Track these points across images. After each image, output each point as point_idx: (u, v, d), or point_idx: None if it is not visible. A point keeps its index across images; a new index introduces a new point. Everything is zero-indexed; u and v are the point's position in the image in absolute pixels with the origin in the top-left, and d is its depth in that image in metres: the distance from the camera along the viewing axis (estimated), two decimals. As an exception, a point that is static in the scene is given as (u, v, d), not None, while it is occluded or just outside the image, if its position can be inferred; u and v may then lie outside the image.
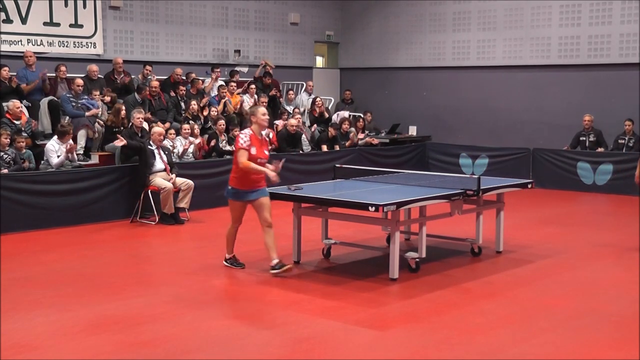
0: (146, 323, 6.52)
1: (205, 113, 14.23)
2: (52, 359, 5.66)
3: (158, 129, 11.61)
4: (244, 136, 8.03)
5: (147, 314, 6.76)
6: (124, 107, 12.70)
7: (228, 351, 5.84)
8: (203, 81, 15.35)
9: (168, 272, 8.48)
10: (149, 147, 11.35)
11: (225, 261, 8.54)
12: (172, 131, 12.85)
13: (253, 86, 15.98)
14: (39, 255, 9.24)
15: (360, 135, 16.06)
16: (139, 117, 12.16)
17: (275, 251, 8.09)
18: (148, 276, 8.30)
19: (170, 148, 12.20)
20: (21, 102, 12.25)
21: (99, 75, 13.98)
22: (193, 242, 10.38)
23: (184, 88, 14.74)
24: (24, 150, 11.22)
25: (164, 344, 5.99)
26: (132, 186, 11.55)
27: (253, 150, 7.96)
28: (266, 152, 8.19)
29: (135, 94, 13.61)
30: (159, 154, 11.43)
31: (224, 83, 15.56)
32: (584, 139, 15.38)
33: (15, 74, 12.85)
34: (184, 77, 15.43)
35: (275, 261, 8.07)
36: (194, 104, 13.93)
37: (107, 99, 13.40)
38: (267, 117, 8.22)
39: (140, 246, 10.04)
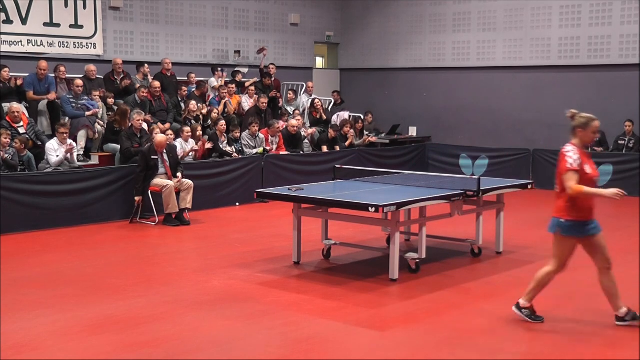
0: (146, 323, 6.52)
1: (204, 111, 14.22)
2: (52, 359, 5.66)
3: (160, 138, 11.52)
4: (572, 154, 6.33)
5: (148, 314, 6.77)
6: (129, 109, 12.69)
7: (228, 351, 5.85)
8: (207, 82, 15.34)
9: (168, 272, 8.48)
10: (153, 157, 11.31)
11: (522, 310, 6.63)
12: (171, 132, 12.80)
13: (252, 87, 15.99)
14: (39, 256, 9.24)
15: (351, 135, 15.92)
16: (138, 118, 12.16)
17: (620, 298, 6.48)
18: (148, 276, 8.30)
19: (177, 147, 12.14)
20: (20, 103, 12.26)
21: (98, 76, 13.98)
22: (193, 243, 10.38)
23: (186, 89, 14.73)
24: (25, 153, 11.20)
25: (164, 344, 5.99)
26: (134, 188, 11.54)
27: (587, 169, 6.31)
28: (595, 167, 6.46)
29: (135, 95, 13.61)
30: (163, 160, 11.41)
31: (223, 84, 15.58)
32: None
33: (17, 74, 12.86)
34: (186, 77, 15.48)
35: (623, 310, 6.47)
36: (193, 104, 13.91)
37: (111, 101, 13.39)
38: (596, 135, 6.58)
39: (140, 246, 10.04)
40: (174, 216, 11.24)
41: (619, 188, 6.18)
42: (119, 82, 14.11)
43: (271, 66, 16.93)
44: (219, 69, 16.24)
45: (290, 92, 17.13)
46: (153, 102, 13.77)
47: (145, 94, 13.55)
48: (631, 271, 8.47)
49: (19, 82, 12.77)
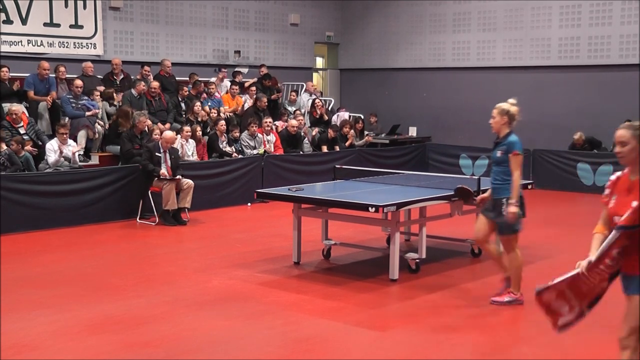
0: (147, 323, 6.52)
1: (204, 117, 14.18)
2: (52, 359, 5.66)
3: (169, 134, 11.56)
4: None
5: (148, 314, 6.77)
6: (131, 109, 12.66)
7: (228, 351, 5.85)
8: (206, 82, 15.31)
9: (168, 272, 8.48)
10: (157, 154, 11.32)
11: None
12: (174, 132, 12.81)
13: (253, 87, 15.99)
14: (39, 256, 9.24)
15: (351, 135, 15.92)
16: (144, 120, 12.16)
17: None
18: (148, 276, 8.30)
19: (179, 150, 12.15)
20: (20, 103, 12.25)
21: (98, 76, 13.99)
22: (193, 243, 10.38)
23: (186, 89, 14.71)
24: (23, 154, 11.19)
25: (165, 344, 6.00)
26: (137, 187, 11.54)
27: (612, 202, 4.68)
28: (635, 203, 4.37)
29: (132, 90, 13.60)
30: (165, 159, 11.41)
31: (220, 82, 15.64)
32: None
33: (17, 75, 12.86)
34: (188, 77, 15.49)
35: None
36: (198, 105, 13.89)
37: (110, 91, 13.41)
38: None
39: (140, 246, 10.05)
40: (170, 214, 11.25)
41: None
42: (118, 83, 14.11)
43: (262, 68, 16.93)
44: (223, 69, 16.27)
45: (293, 92, 17.12)
46: (153, 102, 13.76)
47: (143, 88, 13.56)
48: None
49: (17, 85, 12.71)
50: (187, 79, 15.49)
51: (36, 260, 8.98)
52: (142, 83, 13.61)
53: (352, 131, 15.96)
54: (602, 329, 6.49)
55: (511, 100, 7.35)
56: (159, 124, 13.24)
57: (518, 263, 7.27)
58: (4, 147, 10.97)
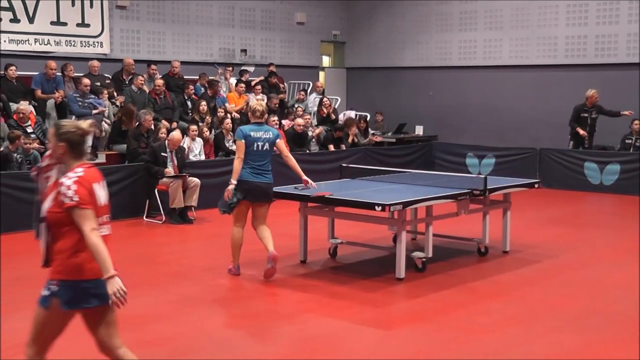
0: (152, 322, 6.52)
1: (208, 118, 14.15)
2: (52, 359, 5.65)
3: (176, 136, 11.56)
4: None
5: (154, 313, 6.76)
6: (135, 108, 12.67)
7: (232, 351, 5.84)
8: (219, 82, 15.31)
9: (174, 271, 8.47)
10: (162, 154, 11.34)
11: None
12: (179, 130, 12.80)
13: (259, 86, 15.97)
14: (39, 255, 9.20)
15: (352, 133, 15.88)
16: (150, 119, 12.17)
17: None
18: (153, 275, 8.29)
19: (185, 148, 12.15)
20: (30, 103, 12.27)
21: (106, 74, 14.01)
22: (199, 242, 10.38)
23: (193, 87, 14.70)
24: (31, 152, 11.21)
25: (170, 343, 5.99)
26: (144, 185, 11.55)
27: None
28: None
29: (132, 86, 13.61)
30: (172, 159, 11.41)
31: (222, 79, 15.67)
32: (586, 115, 15.04)
33: (24, 73, 12.89)
34: (196, 76, 15.47)
35: None
36: (204, 105, 13.88)
37: (121, 99, 13.44)
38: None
39: (146, 245, 10.05)
40: (177, 212, 11.24)
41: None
42: (127, 82, 14.12)
43: (271, 67, 16.93)
44: (228, 67, 16.30)
45: (302, 92, 17.10)
46: (158, 100, 13.76)
47: (141, 82, 13.56)
48: (631, 271, 8.44)
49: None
50: (195, 77, 15.47)
51: (37, 260, 8.91)
52: (140, 77, 13.63)
53: (354, 129, 15.87)
54: (608, 329, 6.47)
55: (258, 97, 7.88)
56: (164, 121, 13.21)
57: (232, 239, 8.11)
58: (10, 146, 10.98)
